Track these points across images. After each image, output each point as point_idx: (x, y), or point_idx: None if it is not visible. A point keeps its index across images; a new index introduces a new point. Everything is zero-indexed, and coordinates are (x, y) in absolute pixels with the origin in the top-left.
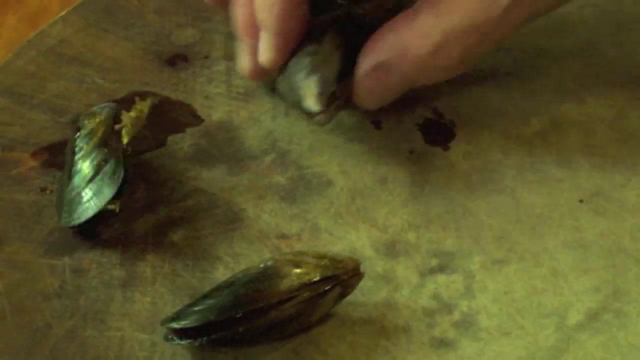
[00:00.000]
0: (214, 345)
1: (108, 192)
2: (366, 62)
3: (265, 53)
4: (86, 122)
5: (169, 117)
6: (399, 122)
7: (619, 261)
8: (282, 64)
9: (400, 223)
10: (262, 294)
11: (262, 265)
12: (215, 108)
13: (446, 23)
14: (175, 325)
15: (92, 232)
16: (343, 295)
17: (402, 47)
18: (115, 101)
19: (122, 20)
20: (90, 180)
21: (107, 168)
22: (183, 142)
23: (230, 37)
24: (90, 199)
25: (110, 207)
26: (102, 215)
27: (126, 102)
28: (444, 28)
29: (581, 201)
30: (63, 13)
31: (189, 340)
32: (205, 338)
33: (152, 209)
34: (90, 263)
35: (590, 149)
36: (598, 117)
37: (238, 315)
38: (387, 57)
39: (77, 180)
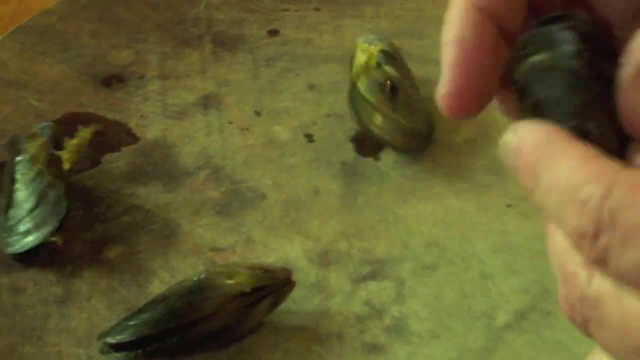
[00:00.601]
0: (149, 357)
1: (52, 223)
2: (629, 62)
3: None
4: (27, 145)
5: (104, 137)
6: (331, 135)
7: (546, 263)
8: None
9: (332, 233)
10: (196, 307)
11: (195, 278)
12: (151, 127)
13: None
14: (111, 340)
15: (31, 257)
16: (276, 304)
17: None
18: (53, 122)
19: (58, 44)
20: (32, 209)
21: (51, 197)
22: (119, 160)
23: (164, 57)
24: (33, 229)
25: (54, 239)
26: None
27: (64, 124)
28: None
29: (509, 206)
30: None
31: (124, 353)
32: (140, 350)
33: (88, 227)
34: (27, 281)
35: None
36: None
37: (172, 328)
38: None
39: (17, 207)
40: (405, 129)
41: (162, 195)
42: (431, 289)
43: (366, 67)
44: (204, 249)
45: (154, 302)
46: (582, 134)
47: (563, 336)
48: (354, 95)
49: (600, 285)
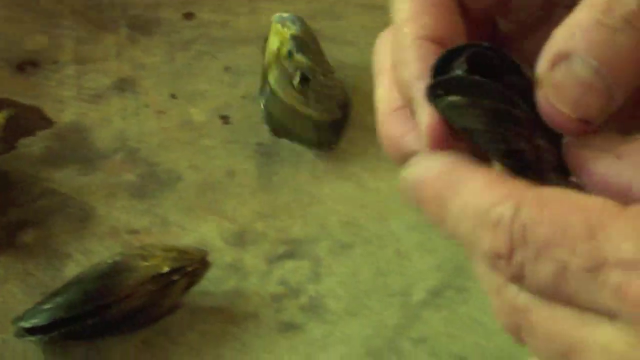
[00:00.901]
0: (64, 339)
1: None
2: (543, 61)
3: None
4: None
5: (19, 121)
6: (247, 117)
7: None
8: None
9: (248, 214)
10: (111, 289)
11: (110, 261)
12: (66, 110)
13: None
14: (25, 324)
15: None
16: (191, 285)
17: (574, 26)
18: None
19: None
20: None
21: None
22: (34, 144)
23: (79, 41)
24: None
25: None
26: None
27: None
28: None
29: None
30: None
31: (39, 336)
32: (55, 332)
33: (3, 211)
34: None
35: None
36: None
37: (88, 310)
38: (562, 43)
39: None
40: (319, 123)
41: (78, 179)
42: (347, 268)
43: (277, 56)
44: (120, 232)
45: (68, 285)
46: (517, 154)
47: (477, 312)
48: (265, 90)
49: (527, 295)
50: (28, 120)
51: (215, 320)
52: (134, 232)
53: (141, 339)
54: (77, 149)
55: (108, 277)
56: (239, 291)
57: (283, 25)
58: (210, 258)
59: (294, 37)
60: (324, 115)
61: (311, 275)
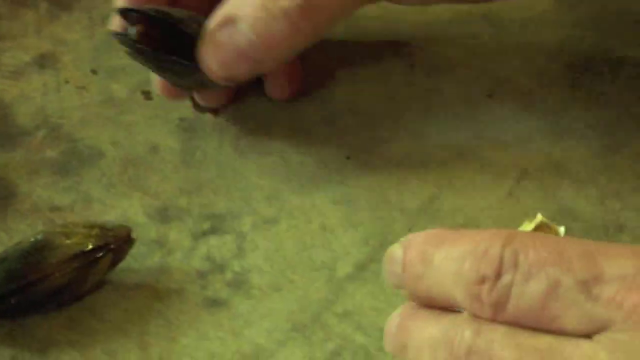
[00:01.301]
0: None
1: None
2: (213, 18)
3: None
4: None
5: None
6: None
7: (386, 214)
8: None
9: (172, 189)
10: (34, 267)
11: (32, 239)
12: None
13: None
14: None
15: None
16: (115, 262)
17: (254, 4)
18: None
19: None
20: None
21: None
22: None
23: None
24: None
25: None
26: None
27: None
28: None
29: (348, 158)
30: None
31: None
32: None
33: None
34: None
35: (356, 107)
36: (365, 77)
37: (11, 289)
38: (233, 9)
39: None
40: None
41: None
42: (272, 243)
43: None
44: (43, 209)
45: None
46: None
47: None
48: None
49: (492, 332)
50: None
51: (141, 296)
52: (56, 209)
53: (66, 316)
54: None
55: (31, 256)
56: (163, 267)
57: None
58: (134, 234)
59: None
60: None
61: (236, 251)
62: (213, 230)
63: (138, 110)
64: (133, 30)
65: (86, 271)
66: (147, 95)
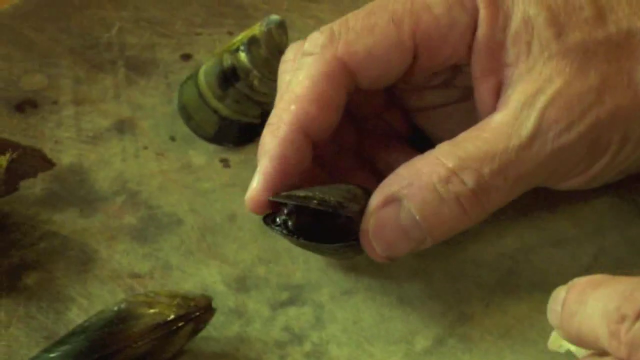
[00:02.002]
0: None
1: None
2: (377, 196)
3: (252, 184)
4: None
5: (20, 163)
6: (247, 160)
7: (463, 287)
8: None
9: (250, 258)
10: (117, 337)
11: (115, 308)
12: (65, 152)
13: (462, 151)
14: None
15: None
16: (196, 331)
17: (414, 175)
18: None
19: None
20: None
21: None
22: (34, 186)
23: (77, 81)
24: None
25: None
26: None
27: None
28: (459, 154)
29: None
30: None
31: None
32: None
33: (5, 253)
34: None
35: None
36: None
37: (95, 358)
38: (399, 187)
39: None
40: (224, 120)
41: (79, 221)
42: (350, 314)
43: (228, 48)
44: (122, 275)
45: (74, 334)
46: None
47: None
48: (191, 77)
49: None
50: (29, 161)
51: None
52: (136, 276)
53: None
54: (77, 190)
55: (113, 325)
56: (242, 337)
57: (261, 25)
58: (214, 304)
59: (252, 37)
60: (234, 114)
61: (314, 322)
62: (291, 301)
63: (216, 178)
64: (282, 219)
65: (167, 340)
66: (225, 162)
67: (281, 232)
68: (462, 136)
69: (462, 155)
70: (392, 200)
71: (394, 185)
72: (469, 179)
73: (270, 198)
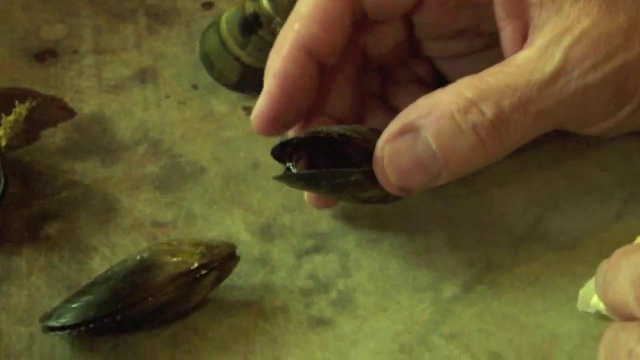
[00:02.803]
0: (93, 334)
1: None
2: (394, 125)
3: (258, 103)
4: None
5: (41, 112)
6: None
7: (491, 235)
8: None
9: (274, 207)
10: (140, 287)
11: (138, 258)
12: (87, 102)
13: (483, 83)
14: (54, 323)
15: None
16: (220, 280)
17: (433, 105)
18: None
19: None
20: None
21: None
22: (55, 136)
23: (98, 31)
24: None
25: None
26: None
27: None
28: (480, 87)
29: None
30: None
31: (67, 331)
32: (83, 328)
33: (27, 204)
34: None
35: None
36: None
37: (117, 309)
38: (417, 116)
39: None
40: (247, 68)
41: (101, 171)
42: (376, 262)
43: None
44: (145, 225)
45: (96, 284)
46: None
47: (510, 308)
48: (213, 25)
49: None
50: (50, 111)
51: (245, 314)
52: (159, 225)
53: (170, 334)
54: (98, 140)
55: (137, 275)
56: (267, 286)
57: None
58: (238, 252)
59: None
60: (257, 62)
61: (340, 270)
62: (317, 249)
63: (239, 126)
64: (292, 166)
65: (190, 289)
66: (248, 111)
67: (291, 174)
68: (486, 71)
69: (483, 87)
70: (410, 129)
71: (413, 114)
72: (489, 110)
73: (274, 146)
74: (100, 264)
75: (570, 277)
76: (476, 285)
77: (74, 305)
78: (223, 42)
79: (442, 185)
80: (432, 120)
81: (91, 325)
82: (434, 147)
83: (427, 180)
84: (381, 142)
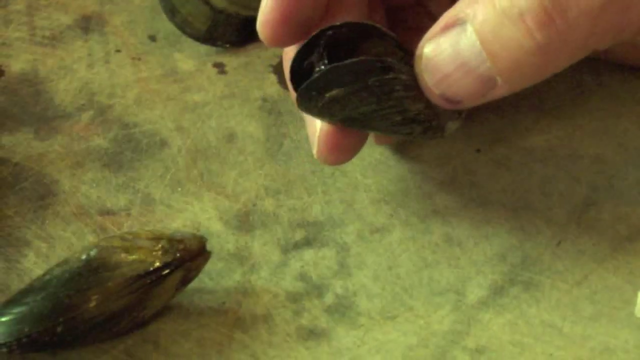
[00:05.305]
0: (26, 350)
1: None
2: (439, 21)
3: (261, 6)
4: None
5: None
6: (248, 64)
7: (528, 222)
8: None
9: (254, 189)
10: (87, 294)
11: (84, 257)
12: (16, 57)
13: None
14: None
15: None
16: (186, 281)
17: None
18: None
19: None
20: None
21: None
22: None
23: None
24: None
25: None
26: None
27: None
28: None
29: (478, 151)
30: None
31: None
32: (15, 342)
33: None
34: None
35: None
36: None
37: (58, 322)
38: (465, 9)
39: None
40: (219, 15)
41: (34, 144)
42: (383, 258)
43: None
44: (91, 212)
45: (31, 291)
46: (415, 119)
47: (551, 314)
48: None
49: None
50: None
51: (218, 324)
52: (108, 213)
53: (123, 349)
54: (31, 106)
55: (82, 278)
56: (246, 288)
57: None
58: (208, 246)
59: None
60: (231, 5)
61: (337, 268)
62: (308, 242)
63: (209, 88)
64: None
65: (149, 293)
66: (220, 68)
67: (331, 67)
68: None
69: None
70: (456, 22)
71: (462, 4)
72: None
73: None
74: (35, 262)
75: (626, 275)
76: (509, 287)
77: (4, 319)
78: None
79: (499, 97)
80: (479, 9)
81: (24, 340)
82: (477, 41)
83: (475, 86)
84: (423, 40)
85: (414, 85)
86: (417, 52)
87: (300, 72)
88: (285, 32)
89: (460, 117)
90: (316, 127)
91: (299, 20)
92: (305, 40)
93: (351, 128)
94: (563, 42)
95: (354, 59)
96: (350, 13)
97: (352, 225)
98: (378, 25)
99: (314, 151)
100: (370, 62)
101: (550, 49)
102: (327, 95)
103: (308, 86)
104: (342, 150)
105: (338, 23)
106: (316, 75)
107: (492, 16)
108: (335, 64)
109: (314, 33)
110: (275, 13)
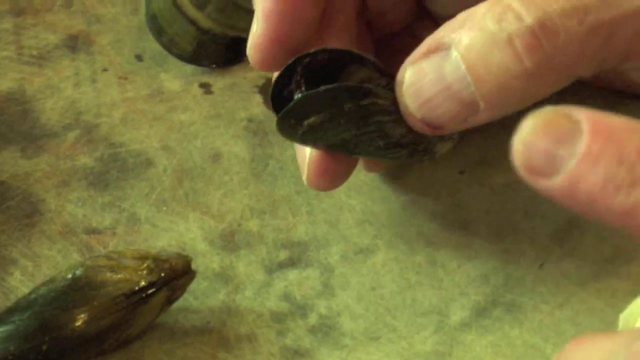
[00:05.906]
0: None
1: None
2: (422, 45)
3: (252, 29)
4: None
5: None
6: (233, 85)
7: (511, 244)
8: None
9: (239, 209)
10: (72, 313)
11: (69, 275)
12: (3, 75)
13: None
14: None
15: None
16: (171, 300)
17: (468, 17)
18: None
19: None
20: None
21: None
22: None
23: None
24: None
25: None
26: None
27: None
28: None
29: (462, 172)
30: None
31: None
32: None
33: None
34: None
35: None
36: None
37: (45, 340)
38: (449, 32)
39: None
40: (204, 35)
41: (21, 163)
42: (367, 279)
43: None
44: (77, 231)
45: (17, 310)
46: (399, 142)
47: (534, 336)
48: None
49: None
50: None
51: (202, 344)
52: (94, 232)
53: None
54: (17, 124)
55: (68, 297)
56: (230, 308)
57: None
58: (193, 266)
59: None
60: (218, 26)
61: (321, 288)
62: (292, 262)
63: (195, 108)
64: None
65: (134, 312)
66: (206, 88)
67: (307, 94)
68: None
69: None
70: (439, 47)
71: (445, 29)
72: (528, 14)
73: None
74: (20, 281)
75: (609, 298)
76: (491, 308)
77: None
78: (175, 1)
79: (480, 124)
80: (464, 34)
81: (10, 358)
82: (463, 66)
83: (457, 110)
84: (404, 65)
85: (394, 110)
86: (398, 76)
87: (282, 99)
88: (275, 56)
89: (452, 138)
90: (305, 153)
91: (290, 44)
92: (283, 68)
93: (338, 154)
94: (550, 67)
95: (328, 86)
96: (340, 38)
97: (337, 245)
98: (356, 52)
99: (304, 177)
100: (345, 89)
101: (537, 73)
102: (306, 122)
103: (284, 114)
104: (331, 176)
105: (312, 50)
106: (292, 103)
107: (480, 40)
108: (308, 92)
109: (290, 60)
110: (265, 37)
